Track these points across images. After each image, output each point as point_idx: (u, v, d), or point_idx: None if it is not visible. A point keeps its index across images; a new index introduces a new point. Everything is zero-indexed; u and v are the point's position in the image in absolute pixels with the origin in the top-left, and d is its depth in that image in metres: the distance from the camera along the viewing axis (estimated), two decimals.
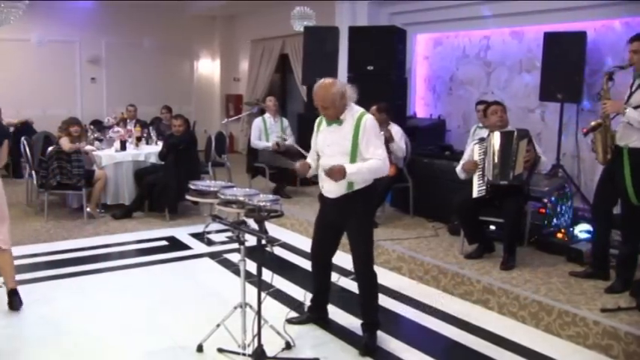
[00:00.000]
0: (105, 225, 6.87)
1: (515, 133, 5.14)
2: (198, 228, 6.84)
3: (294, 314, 4.34)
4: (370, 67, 7.72)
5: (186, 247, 6.19)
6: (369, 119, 3.76)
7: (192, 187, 3.68)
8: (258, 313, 3.48)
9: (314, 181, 8.51)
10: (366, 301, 3.99)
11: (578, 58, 6.50)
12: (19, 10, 7.56)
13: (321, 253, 4.11)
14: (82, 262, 5.58)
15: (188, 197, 3.80)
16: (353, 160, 3.74)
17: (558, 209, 5.82)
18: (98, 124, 9.34)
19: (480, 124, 6.92)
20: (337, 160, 3.75)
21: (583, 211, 6.34)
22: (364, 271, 3.93)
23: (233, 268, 5.50)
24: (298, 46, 11.09)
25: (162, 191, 7.05)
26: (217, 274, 5.40)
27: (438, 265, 5.11)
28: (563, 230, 5.64)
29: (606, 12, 6.63)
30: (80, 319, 4.32)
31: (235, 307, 3.75)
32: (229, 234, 6.56)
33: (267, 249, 3.51)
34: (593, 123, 4.43)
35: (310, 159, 4.10)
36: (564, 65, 6.51)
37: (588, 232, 5.56)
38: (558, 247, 5.44)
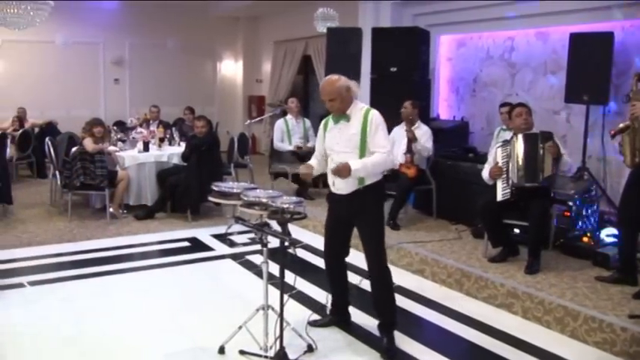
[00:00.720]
0: (127, 225, 6.91)
1: (540, 136, 5.06)
2: (221, 229, 6.85)
3: (316, 317, 4.33)
4: (393, 69, 7.68)
5: (209, 249, 6.20)
6: (376, 113, 3.85)
7: (215, 188, 3.66)
8: (281, 315, 3.46)
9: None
10: (380, 299, 3.96)
11: (605, 59, 6.38)
12: (44, 12, 7.64)
13: (334, 253, 4.11)
14: (105, 262, 5.61)
15: (211, 199, 3.78)
16: (362, 154, 3.79)
17: (584, 212, 5.72)
18: (121, 125, 9.43)
19: (504, 127, 6.83)
20: (348, 156, 3.79)
21: (609, 214, 6.23)
22: (376, 267, 3.92)
23: (255, 269, 5.49)
24: (321, 48, 11.09)
25: (184, 192, 7.08)
26: (239, 276, 5.40)
27: (461, 269, 5.05)
28: (589, 234, 5.54)
29: (634, 12, 6.51)
30: (102, 318, 4.34)
31: (257, 309, 3.73)
32: (251, 235, 6.68)
33: (290, 251, 3.48)
34: (621, 125, 4.34)
35: (314, 160, 4.12)
36: (591, 66, 6.38)
37: (615, 236, 5.45)
38: (584, 251, 5.35)
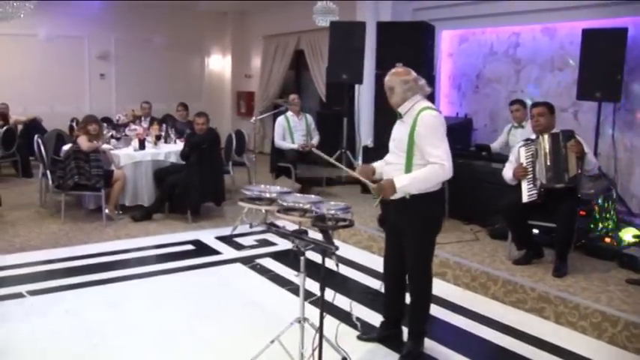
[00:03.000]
0: (125, 227, 6.59)
1: (561, 135, 4.90)
2: (224, 231, 6.57)
3: (345, 326, 4.08)
4: (399, 64, 7.44)
5: (215, 252, 5.91)
6: (429, 115, 3.44)
7: (247, 193, 3.38)
8: (320, 328, 3.20)
9: (341, 181, 8.38)
10: (413, 308, 3.72)
11: (618, 56, 6.26)
12: (30, 5, 7.27)
13: (388, 261, 3.82)
14: (107, 269, 5.29)
15: (241, 204, 3.49)
16: (409, 161, 3.46)
17: (603, 212, 5.59)
18: (108, 122, 9.07)
19: (515, 124, 6.68)
20: (395, 158, 3.54)
21: (622, 213, 6.13)
22: (415, 278, 3.66)
23: (268, 274, 5.24)
24: (315, 42, 10.88)
25: (184, 192, 6.77)
26: (252, 281, 5.12)
27: (487, 272, 4.86)
28: (610, 234, 5.41)
29: None
30: (114, 332, 4.04)
31: (292, 323, 3.46)
32: (258, 237, 6.42)
33: (333, 263, 3.25)
34: None
35: (381, 162, 3.79)
36: (603, 63, 6.26)
37: (637, 237, 5.35)
38: (608, 252, 5.22)
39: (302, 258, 3.27)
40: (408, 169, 3.46)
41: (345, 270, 5.33)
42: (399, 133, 3.55)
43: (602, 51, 6.29)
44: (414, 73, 3.58)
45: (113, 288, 4.86)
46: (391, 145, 3.61)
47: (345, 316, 4.29)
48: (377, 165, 3.76)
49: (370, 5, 8.73)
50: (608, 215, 5.62)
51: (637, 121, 6.63)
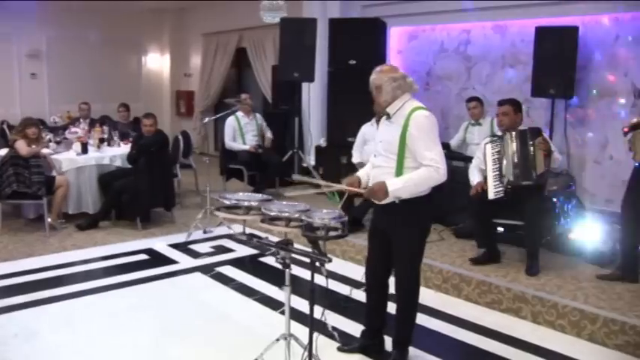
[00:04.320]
0: (70, 237, 6.16)
1: (529, 133, 4.87)
2: (176, 238, 6.27)
3: (322, 337, 3.88)
4: (352, 62, 7.33)
5: (171, 261, 5.58)
6: (421, 115, 3.26)
7: (225, 201, 3.10)
8: (310, 344, 3.00)
9: (293, 181, 8.15)
10: (400, 317, 3.56)
11: (571, 53, 6.34)
12: None
13: (371, 268, 3.62)
14: (57, 284, 4.87)
15: (218, 214, 3.19)
16: (400, 162, 3.28)
17: (565, 208, 5.63)
18: (43, 125, 8.49)
19: (472, 121, 6.67)
20: (384, 161, 3.34)
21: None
22: (403, 285, 3.48)
23: (232, 284, 4.99)
24: (257, 40, 10.61)
25: (133, 198, 6.41)
26: (216, 292, 4.84)
27: (459, 273, 4.78)
28: (574, 230, 5.44)
29: (595, 7, 6.51)
30: (73, 356, 3.69)
31: (278, 339, 3.23)
32: (214, 244, 6.14)
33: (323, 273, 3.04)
34: (635, 120, 4.19)
35: (364, 170, 3.60)
36: (557, 60, 6.34)
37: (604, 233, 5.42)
38: (574, 249, 5.24)
39: (287, 271, 3.05)
40: (399, 172, 3.28)
41: (304, 274, 5.15)
42: (387, 134, 3.36)
43: (555, 48, 6.36)
44: (401, 70, 3.41)
45: (65, 306, 4.46)
46: (379, 147, 3.41)
47: (319, 326, 4.08)
48: (361, 174, 3.55)
49: (317, 2, 8.54)
50: (567, 211, 5.66)
51: (588, 118, 6.74)
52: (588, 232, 5.46)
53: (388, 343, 3.71)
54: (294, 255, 2.91)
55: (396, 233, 3.39)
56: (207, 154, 11.07)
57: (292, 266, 2.93)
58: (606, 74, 6.58)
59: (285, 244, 2.93)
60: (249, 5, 9.51)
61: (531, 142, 4.80)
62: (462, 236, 5.70)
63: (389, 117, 3.36)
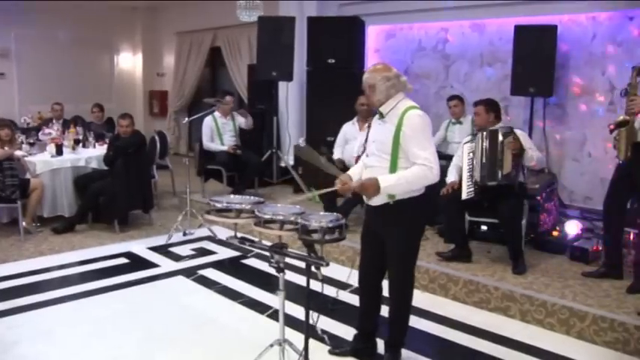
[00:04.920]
0: (46, 241, 5.99)
1: (500, 132, 4.85)
2: (156, 240, 6.16)
3: (312, 341, 3.82)
4: (331, 60, 7.28)
5: (151, 264, 5.46)
6: (415, 114, 3.22)
7: (217, 205, 2.99)
8: (305, 350, 2.92)
9: (271, 182, 8.07)
10: (393, 319, 3.51)
11: (550, 52, 6.39)
12: None
13: (364, 271, 3.54)
14: (35, 290, 4.71)
15: (207, 217, 3.08)
16: (394, 162, 3.22)
17: (547, 206, 5.66)
18: (14, 126, 8.25)
19: (453, 120, 6.68)
20: (377, 161, 3.28)
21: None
22: (397, 287, 3.42)
23: (216, 287, 4.90)
24: (232, 39, 10.50)
25: (111, 200, 6.27)
26: (201, 296, 4.74)
27: (446, 273, 4.76)
28: (558, 228, 5.49)
29: (573, 6, 6.57)
30: None
31: (272, 345, 3.15)
32: (195, 246, 6.04)
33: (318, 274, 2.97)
34: (620, 118, 4.21)
35: (359, 164, 3.56)
36: (536, 59, 6.38)
37: (585, 230, 5.49)
38: (558, 246, 5.28)
39: (281, 275, 2.97)
40: (393, 172, 3.23)
41: (292, 277, 5.09)
42: (380, 134, 3.31)
43: (534, 47, 6.40)
44: (394, 69, 3.35)
45: (45, 313, 4.31)
46: (372, 147, 3.36)
47: (298, 325, 4.01)
48: (352, 172, 3.50)
49: (294, 1, 8.46)
50: (550, 209, 5.70)
51: (566, 116, 6.80)
52: (570, 229, 5.52)
53: (380, 345, 3.66)
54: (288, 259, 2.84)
55: (388, 234, 3.33)
56: (180, 155, 10.93)
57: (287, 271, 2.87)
58: (584, 73, 6.64)
59: (280, 248, 2.86)
60: (224, 4, 9.38)
61: (501, 141, 4.77)
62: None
63: (382, 116, 3.30)
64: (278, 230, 2.86)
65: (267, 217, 2.85)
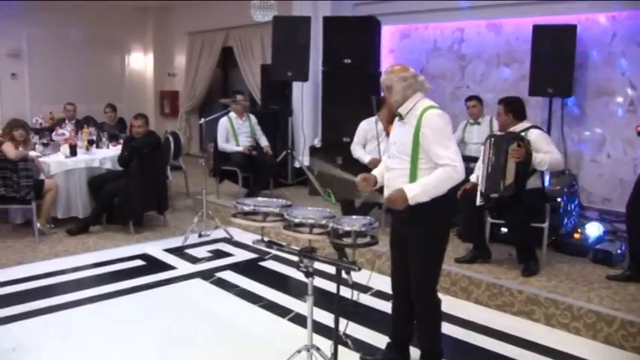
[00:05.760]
0: (61, 243, 5.95)
1: (504, 139, 4.67)
2: (171, 242, 6.12)
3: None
4: (347, 61, 7.22)
5: (168, 267, 5.41)
6: (434, 114, 3.11)
7: (244, 207, 2.92)
8: (335, 356, 2.87)
9: (286, 183, 8.02)
10: (421, 327, 3.42)
11: (569, 52, 6.32)
12: None
13: (395, 277, 3.47)
14: (51, 293, 4.66)
15: (235, 220, 2.99)
16: (414, 164, 3.14)
17: (569, 208, 5.58)
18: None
19: (471, 120, 6.61)
20: (398, 163, 3.20)
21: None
22: (419, 294, 3.33)
23: (235, 290, 4.84)
24: (244, 39, 10.46)
25: (125, 201, 6.22)
26: (220, 299, 4.68)
27: (468, 276, 4.69)
28: (579, 230, 5.41)
29: (592, 5, 6.50)
30: None
31: (300, 351, 3.09)
32: (211, 248, 5.99)
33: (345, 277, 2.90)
34: None
35: (379, 170, 3.48)
36: (555, 59, 6.30)
37: (606, 232, 5.41)
38: (580, 249, 5.20)
39: (309, 279, 2.91)
40: (414, 173, 3.15)
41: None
42: (400, 135, 3.23)
43: (553, 47, 6.33)
44: (412, 70, 3.27)
45: (63, 316, 4.26)
46: (392, 149, 3.28)
47: (330, 333, 3.96)
48: (376, 172, 3.43)
49: (308, 1, 8.40)
50: (571, 210, 5.62)
51: (584, 116, 6.72)
52: (592, 231, 5.44)
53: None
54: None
55: (411, 235, 3.25)
56: (192, 155, 10.91)
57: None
58: (603, 73, 6.57)
59: (309, 252, 2.80)
60: (236, 4, 9.34)
61: (505, 149, 4.62)
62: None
63: (402, 118, 3.22)
64: (308, 234, 2.79)
65: (297, 220, 2.78)
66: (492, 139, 4.76)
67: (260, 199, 3.07)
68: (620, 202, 6.49)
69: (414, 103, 3.21)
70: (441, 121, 3.14)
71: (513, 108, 4.92)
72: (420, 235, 3.23)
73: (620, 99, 6.46)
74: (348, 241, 2.75)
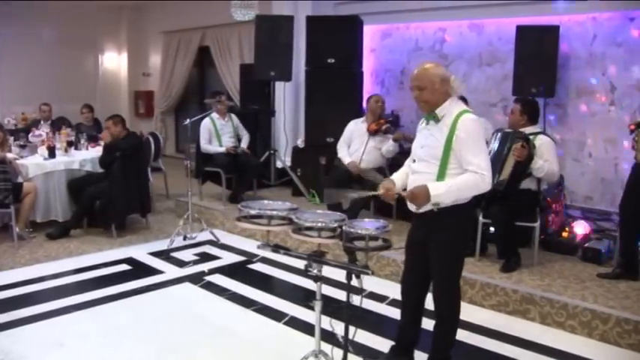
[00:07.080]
0: (41, 248, 5.78)
1: (511, 136, 4.76)
2: (156, 245, 6.00)
3: (337, 350, 3.69)
4: (331, 60, 7.17)
5: (155, 271, 5.29)
6: (470, 118, 3.06)
7: (250, 210, 2.85)
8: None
9: (269, 184, 7.92)
10: (437, 333, 3.38)
11: (552, 52, 6.37)
12: None
13: (407, 282, 3.42)
14: (37, 300, 4.50)
15: (240, 224, 2.91)
16: (443, 168, 3.07)
17: (555, 207, 5.63)
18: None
19: None
20: (425, 167, 3.13)
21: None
22: (439, 301, 3.29)
23: (226, 294, 4.75)
24: (222, 38, 10.34)
25: (108, 204, 6.07)
26: (212, 304, 4.58)
27: (462, 276, 4.65)
28: (567, 229, 5.46)
29: (573, 7, 6.56)
30: None
31: (307, 357, 3.03)
32: (197, 251, 5.88)
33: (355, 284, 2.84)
34: None
35: (403, 169, 3.41)
36: (538, 59, 6.35)
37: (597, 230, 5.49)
38: (568, 247, 5.25)
39: (318, 284, 2.86)
40: (441, 178, 3.08)
41: (297, 280, 4.99)
42: (430, 138, 3.14)
43: (536, 47, 6.37)
44: (447, 71, 3.24)
45: (52, 325, 4.10)
46: (420, 152, 3.20)
47: (329, 336, 3.90)
48: (396, 177, 3.36)
49: (288, 0, 8.33)
50: (558, 209, 5.67)
51: (566, 116, 6.79)
52: (579, 230, 5.49)
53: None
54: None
55: (432, 242, 3.19)
56: (167, 157, 10.73)
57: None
58: (585, 73, 6.64)
59: (319, 256, 2.75)
60: (212, 3, 9.23)
61: (508, 146, 4.70)
62: None
63: (437, 120, 3.12)
64: (317, 238, 2.73)
65: (307, 224, 2.71)
66: (499, 133, 4.82)
67: (265, 202, 2.99)
68: (601, 201, 6.59)
69: (450, 105, 3.14)
70: (476, 127, 3.09)
71: (529, 110, 4.99)
72: (442, 243, 3.18)
73: (601, 99, 6.54)
74: (359, 244, 2.69)
